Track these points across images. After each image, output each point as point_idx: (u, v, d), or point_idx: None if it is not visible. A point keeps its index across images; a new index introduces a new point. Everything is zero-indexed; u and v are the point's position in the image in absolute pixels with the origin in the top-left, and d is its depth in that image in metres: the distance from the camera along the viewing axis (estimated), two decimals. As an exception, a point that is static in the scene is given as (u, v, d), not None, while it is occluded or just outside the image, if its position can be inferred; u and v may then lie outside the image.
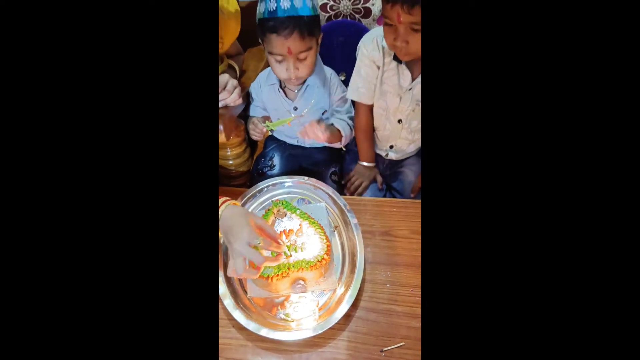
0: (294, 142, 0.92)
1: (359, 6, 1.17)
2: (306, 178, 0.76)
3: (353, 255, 0.62)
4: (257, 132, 0.83)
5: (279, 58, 0.71)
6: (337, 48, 1.08)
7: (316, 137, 0.75)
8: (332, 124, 0.84)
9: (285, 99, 0.85)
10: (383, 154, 0.88)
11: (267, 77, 0.85)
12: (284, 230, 0.65)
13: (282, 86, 0.84)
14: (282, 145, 0.93)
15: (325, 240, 0.62)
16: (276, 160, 0.90)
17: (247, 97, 0.90)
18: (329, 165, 0.91)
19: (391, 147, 0.86)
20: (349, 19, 1.17)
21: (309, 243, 0.63)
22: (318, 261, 0.59)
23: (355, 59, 0.81)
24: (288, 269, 0.58)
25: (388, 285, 0.60)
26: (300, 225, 0.66)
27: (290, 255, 0.61)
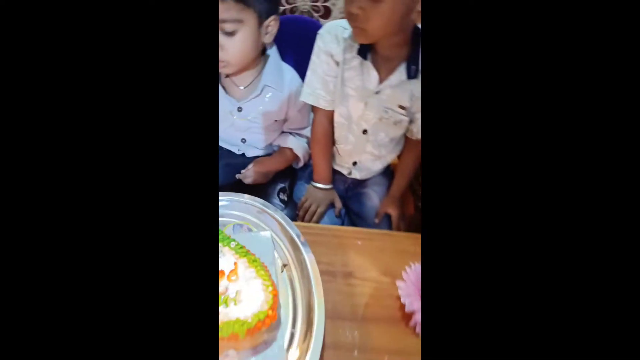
0: (234, 149, 0.73)
1: (319, 4, 1.04)
2: (247, 196, 0.57)
3: (309, 309, 0.45)
4: None
5: None
6: (290, 46, 0.93)
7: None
8: (280, 147, 0.69)
9: (226, 96, 0.66)
10: (345, 171, 0.73)
11: None
12: (211, 271, 0.45)
13: (223, 76, 0.66)
14: (218, 151, 0.73)
15: (269, 288, 0.44)
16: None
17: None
18: (276, 180, 0.74)
19: (354, 163, 0.72)
20: (306, 16, 1.04)
21: (246, 292, 0.44)
22: (259, 320, 0.40)
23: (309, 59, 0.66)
24: (212, 334, 0.39)
25: (355, 353, 0.43)
26: (235, 264, 0.47)
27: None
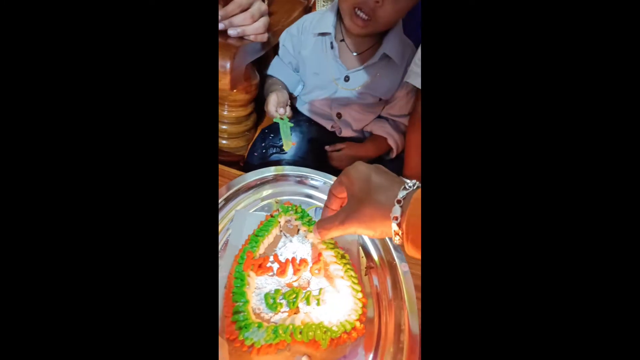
0: (326, 125, 0.66)
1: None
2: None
3: (398, 330, 0.37)
4: (270, 111, 0.58)
5: None
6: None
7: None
8: (373, 134, 0.63)
9: (337, 62, 0.59)
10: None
11: (317, 23, 0.59)
12: (293, 258, 0.39)
13: (339, 39, 0.58)
14: (305, 123, 0.66)
15: (359, 295, 0.36)
16: (293, 140, 0.63)
17: (272, 47, 0.63)
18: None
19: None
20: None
21: (332, 292, 0.37)
22: (345, 331, 0.33)
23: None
24: (290, 335, 0.32)
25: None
26: (319, 255, 0.40)
27: (298, 310, 0.35)
